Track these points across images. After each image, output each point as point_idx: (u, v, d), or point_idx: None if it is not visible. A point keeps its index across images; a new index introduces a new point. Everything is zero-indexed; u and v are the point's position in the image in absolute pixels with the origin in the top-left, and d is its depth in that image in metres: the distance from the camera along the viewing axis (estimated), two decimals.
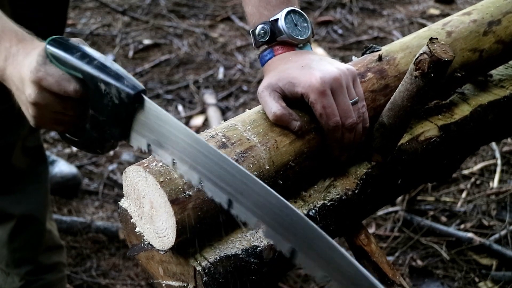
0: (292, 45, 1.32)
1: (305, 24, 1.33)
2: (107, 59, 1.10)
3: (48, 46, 1.11)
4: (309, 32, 1.33)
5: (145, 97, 1.08)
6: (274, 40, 1.32)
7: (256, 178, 1.00)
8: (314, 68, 1.23)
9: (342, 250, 0.96)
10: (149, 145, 1.09)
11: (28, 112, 1.14)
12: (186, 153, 1.05)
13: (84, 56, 1.09)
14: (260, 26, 1.32)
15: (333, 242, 0.97)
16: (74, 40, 1.13)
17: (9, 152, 1.89)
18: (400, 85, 1.23)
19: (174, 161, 1.06)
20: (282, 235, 0.98)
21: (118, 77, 1.07)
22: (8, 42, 1.14)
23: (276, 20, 1.31)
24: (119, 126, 1.09)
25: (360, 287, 0.95)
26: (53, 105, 1.11)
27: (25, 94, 1.11)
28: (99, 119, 1.10)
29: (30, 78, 1.09)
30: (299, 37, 1.31)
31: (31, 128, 1.88)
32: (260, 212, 0.99)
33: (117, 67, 1.09)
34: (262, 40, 1.32)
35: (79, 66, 1.08)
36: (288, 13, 1.31)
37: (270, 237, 0.99)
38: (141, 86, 1.08)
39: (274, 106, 1.22)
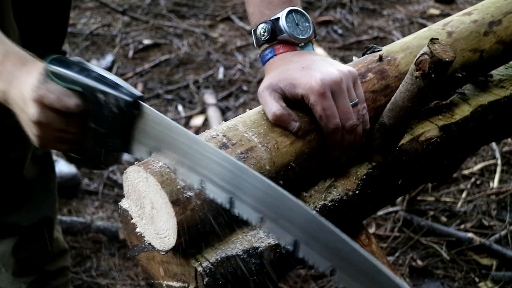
0: (293, 44, 1.31)
1: (307, 24, 1.33)
2: (106, 71, 1.12)
3: (48, 65, 1.12)
4: (311, 32, 1.33)
5: (143, 104, 1.09)
6: (275, 39, 1.32)
7: (256, 173, 1.01)
8: (315, 69, 1.23)
9: (347, 238, 0.96)
10: (150, 153, 1.10)
11: (32, 132, 1.15)
12: (186, 155, 1.05)
13: (83, 70, 1.11)
14: (261, 25, 1.32)
15: (337, 230, 0.96)
16: (74, 58, 1.15)
17: (21, 164, 1.88)
18: (400, 85, 1.23)
19: (175, 166, 1.07)
20: (284, 228, 0.98)
21: (115, 86, 1.09)
22: (11, 65, 1.16)
23: (277, 19, 1.31)
24: (120, 136, 1.11)
25: (368, 275, 0.94)
26: (56, 122, 1.12)
27: (28, 114, 1.12)
28: (100, 132, 1.11)
29: (31, 97, 1.10)
30: (300, 36, 1.31)
31: None
32: (262, 207, 0.99)
33: (114, 77, 1.10)
34: (263, 39, 1.32)
35: (78, 80, 1.10)
36: (290, 12, 1.31)
37: (272, 231, 0.99)
38: (138, 93, 1.09)
39: (274, 106, 1.22)
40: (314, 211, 0.98)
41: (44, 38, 1.90)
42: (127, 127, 1.10)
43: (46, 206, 2.01)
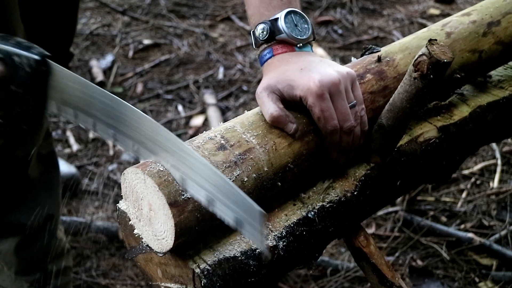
0: (292, 44, 1.31)
1: (306, 26, 1.33)
2: (24, 40, 1.23)
3: None
4: (309, 33, 1.33)
5: (52, 62, 1.18)
6: (274, 39, 1.32)
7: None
8: (313, 70, 1.23)
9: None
10: (59, 108, 1.20)
11: None
12: (103, 112, 1.15)
13: (5, 38, 1.21)
14: (260, 25, 1.32)
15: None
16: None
17: (26, 163, 1.88)
18: (399, 86, 1.23)
19: (94, 122, 1.16)
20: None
21: (27, 48, 1.19)
22: None
23: (276, 19, 1.31)
24: (34, 94, 1.20)
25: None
26: None
27: None
28: (19, 93, 1.21)
29: None
30: (299, 37, 1.31)
31: (45, 134, 1.89)
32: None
33: (31, 44, 1.21)
34: (262, 38, 1.32)
35: None
36: (289, 13, 1.31)
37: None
38: (47, 53, 1.19)
39: (271, 107, 1.22)
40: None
41: (51, 39, 1.91)
42: (40, 85, 1.19)
43: (49, 205, 2.01)
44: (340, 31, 4.11)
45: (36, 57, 1.18)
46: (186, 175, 1.06)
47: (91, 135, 3.21)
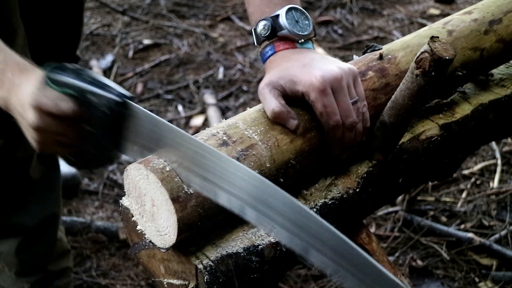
0: (293, 41, 1.32)
1: (307, 22, 1.33)
2: (98, 75, 1.16)
3: (46, 71, 1.16)
4: (310, 29, 1.33)
5: (133, 103, 1.12)
6: (275, 35, 1.32)
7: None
8: (315, 67, 1.23)
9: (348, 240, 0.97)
10: (142, 152, 1.13)
11: (32, 137, 1.18)
12: (181, 155, 1.08)
13: (76, 74, 1.15)
14: (262, 22, 1.33)
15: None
16: (71, 65, 1.19)
17: (27, 164, 1.88)
18: (401, 83, 1.23)
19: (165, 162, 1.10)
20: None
21: (105, 87, 1.12)
22: (10, 73, 1.19)
23: (277, 16, 1.31)
24: (112, 136, 1.15)
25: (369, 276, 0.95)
26: (54, 127, 1.15)
27: (27, 120, 1.16)
28: (94, 133, 1.15)
29: (30, 103, 1.14)
30: (300, 33, 1.31)
31: None
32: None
33: (106, 80, 1.14)
34: (263, 35, 1.32)
35: (71, 83, 1.13)
36: (289, 9, 1.32)
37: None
38: (128, 93, 1.13)
39: (273, 103, 1.22)
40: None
41: (57, 42, 1.91)
42: (118, 127, 1.14)
43: (50, 206, 2.01)
44: (340, 31, 4.12)
45: (116, 98, 1.11)
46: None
47: None
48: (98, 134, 1.15)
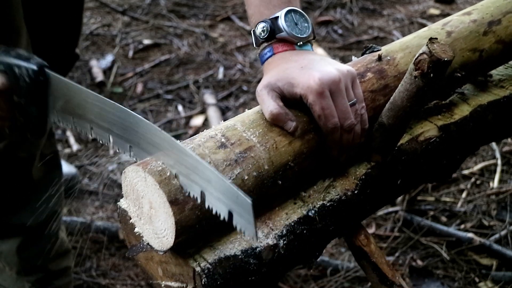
0: (292, 43, 1.31)
1: (306, 24, 1.33)
2: (25, 51, 1.26)
3: None
4: (309, 32, 1.33)
5: (49, 71, 1.22)
6: (274, 37, 1.32)
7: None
8: (314, 69, 1.23)
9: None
10: (60, 115, 1.23)
11: None
12: (98, 116, 1.18)
13: (6, 51, 1.24)
14: (261, 24, 1.32)
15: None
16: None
17: (30, 164, 1.88)
18: (399, 85, 1.23)
19: (91, 127, 1.20)
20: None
21: (27, 58, 1.22)
22: None
23: (276, 18, 1.31)
24: (35, 103, 1.24)
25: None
26: None
27: None
28: (21, 103, 1.24)
29: None
30: (299, 35, 1.31)
31: (48, 135, 1.89)
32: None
33: (30, 54, 1.24)
34: (262, 37, 1.32)
35: (0, 59, 1.22)
36: (289, 12, 1.31)
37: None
38: (44, 63, 1.23)
39: (271, 105, 1.22)
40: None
41: (56, 40, 1.91)
42: (41, 95, 1.23)
43: (52, 205, 2.01)
44: (340, 31, 4.11)
45: (33, 67, 1.21)
46: (180, 172, 1.07)
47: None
48: (26, 103, 1.23)
